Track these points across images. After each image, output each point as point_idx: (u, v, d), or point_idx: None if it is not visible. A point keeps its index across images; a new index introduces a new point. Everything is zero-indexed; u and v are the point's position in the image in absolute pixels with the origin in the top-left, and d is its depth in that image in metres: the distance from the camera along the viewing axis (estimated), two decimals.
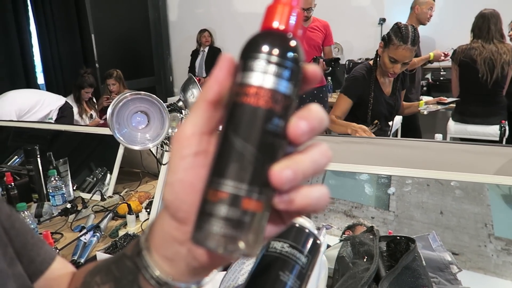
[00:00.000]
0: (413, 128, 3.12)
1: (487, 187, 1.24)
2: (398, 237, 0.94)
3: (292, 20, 0.30)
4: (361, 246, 0.94)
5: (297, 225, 0.46)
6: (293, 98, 0.30)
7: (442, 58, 2.82)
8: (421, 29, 2.07)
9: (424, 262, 0.91)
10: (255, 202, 0.28)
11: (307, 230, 0.45)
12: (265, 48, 0.29)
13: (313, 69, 0.31)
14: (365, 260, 0.90)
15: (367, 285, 0.78)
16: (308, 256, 0.44)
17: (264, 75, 0.28)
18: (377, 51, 2.06)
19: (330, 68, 3.12)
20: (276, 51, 0.29)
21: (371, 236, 0.96)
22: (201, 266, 0.33)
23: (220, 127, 0.31)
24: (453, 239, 1.23)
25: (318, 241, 0.45)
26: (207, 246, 0.28)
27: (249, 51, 0.30)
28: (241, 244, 0.28)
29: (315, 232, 0.46)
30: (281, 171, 0.28)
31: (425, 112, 2.36)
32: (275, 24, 0.30)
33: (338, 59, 3.16)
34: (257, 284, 0.43)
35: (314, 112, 0.30)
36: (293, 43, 0.30)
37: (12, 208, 0.48)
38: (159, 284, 0.33)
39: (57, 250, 1.23)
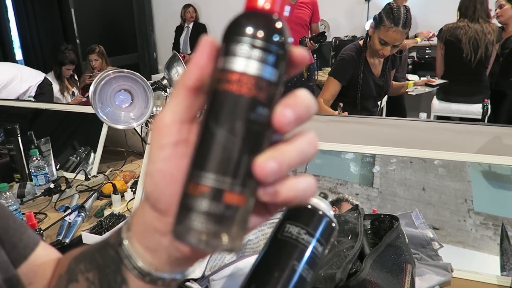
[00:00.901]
0: (398, 106, 3.14)
1: (468, 164, 1.27)
2: (382, 215, 0.96)
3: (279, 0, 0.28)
4: (345, 224, 0.95)
5: (312, 206, 0.42)
6: (278, 85, 0.28)
7: (430, 36, 2.80)
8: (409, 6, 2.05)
9: (407, 239, 0.93)
10: (238, 196, 0.27)
11: (324, 214, 0.42)
12: (249, 30, 0.27)
13: (300, 53, 0.29)
14: (349, 238, 0.92)
15: (351, 263, 0.80)
16: (324, 244, 0.41)
17: (247, 61, 0.26)
18: (367, 31, 2.03)
19: (317, 45, 3.09)
20: (260, 34, 0.27)
21: (355, 215, 0.97)
22: (184, 257, 0.32)
23: (201, 115, 0.29)
24: (435, 214, 1.26)
25: (333, 225, 0.42)
26: (187, 241, 0.27)
27: (232, 33, 0.28)
28: (224, 239, 0.27)
29: (332, 215, 0.42)
30: (265, 162, 0.26)
31: (413, 94, 2.38)
32: (260, 4, 0.28)
33: (324, 32, 3.13)
34: (268, 269, 0.41)
35: (301, 99, 0.28)
36: (279, 25, 0.28)
37: None
38: (141, 275, 0.33)
39: (42, 231, 1.21)
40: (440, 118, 2.97)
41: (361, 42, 2.08)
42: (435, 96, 3.09)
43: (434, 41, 3.18)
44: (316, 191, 0.30)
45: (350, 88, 2.06)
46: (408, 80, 2.85)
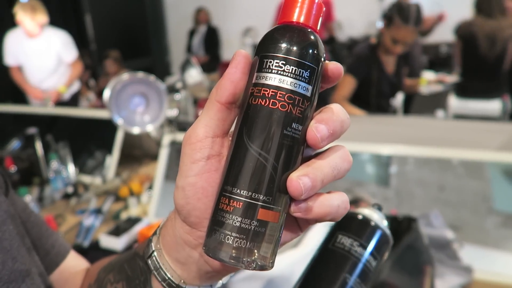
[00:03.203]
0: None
1: (487, 163, 1.24)
2: (400, 217, 0.94)
3: (313, 13, 0.28)
4: None
5: (365, 217, 0.40)
6: (312, 100, 0.27)
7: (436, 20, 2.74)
8: (422, 5, 2.03)
9: (426, 241, 0.91)
10: (271, 212, 0.26)
11: (378, 226, 0.41)
12: (283, 45, 0.26)
13: (335, 67, 0.28)
14: None
15: None
16: (378, 258, 0.40)
17: (281, 76, 0.26)
18: (380, 29, 2.02)
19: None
20: (294, 49, 0.26)
21: None
22: (214, 271, 0.32)
23: (234, 129, 0.29)
24: (454, 214, 1.24)
25: (388, 238, 0.41)
26: (218, 257, 0.26)
27: (266, 48, 0.27)
28: (256, 257, 0.26)
29: (385, 227, 0.41)
30: (299, 179, 0.26)
31: (426, 92, 2.34)
32: (293, 18, 0.28)
33: (332, 37, 3.13)
34: (318, 279, 0.40)
35: (336, 114, 0.28)
36: (313, 39, 0.27)
37: (27, 202, 0.47)
38: (171, 287, 0.33)
39: (61, 234, 1.23)
40: (458, 116, 2.92)
41: (374, 40, 2.08)
42: (451, 94, 3.04)
43: (447, 38, 3.13)
44: (349, 208, 0.29)
45: (364, 86, 2.05)
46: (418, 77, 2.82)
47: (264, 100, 0.26)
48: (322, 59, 0.28)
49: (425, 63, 3.66)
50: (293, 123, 0.26)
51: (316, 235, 0.86)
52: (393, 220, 0.96)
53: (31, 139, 1.68)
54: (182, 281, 0.32)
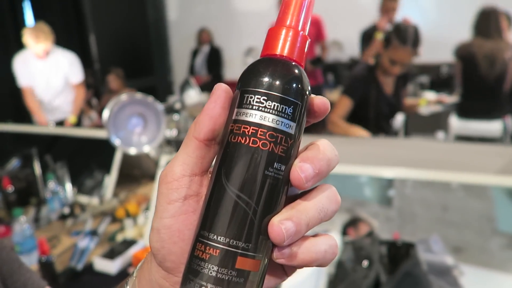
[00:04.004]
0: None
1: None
2: (398, 242, 0.92)
3: (297, 45, 0.26)
4: (360, 251, 0.92)
5: None
6: (297, 137, 0.26)
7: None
8: (421, 25, 2.04)
9: (425, 267, 0.89)
10: (251, 261, 0.25)
11: None
12: (265, 80, 0.25)
13: (321, 102, 0.27)
14: (365, 265, 0.88)
15: None
16: None
17: (263, 112, 0.25)
18: (378, 50, 2.04)
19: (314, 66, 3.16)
20: (277, 84, 0.25)
21: (370, 241, 0.94)
22: None
23: (213, 167, 0.27)
24: (457, 235, 1.21)
25: None
26: None
27: (247, 82, 0.26)
28: None
29: None
30: (282, 224, 0.24)
31: (426, 112, 2.34)
32: (277, 51, 0.26)
33: (319, 58, 3.19)
34: None
35: (322, 153, 0.26)
36: (297, 73, 0.26)
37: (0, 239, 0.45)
38: None
39: (52, 257, 1.21)
40: (459, 137, 2.91)
41: (372, 60, 2.08)
42: (452, 115, 3.04)
43: (445, 58, 3.15)
44: (338, 253, 0.27)
45: (362, 107, 2.05)
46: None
47: (244, 138, 0.25)
48: (307, 94, 0.26)
49: (426, 83, 3.67)
50: (275, 163, 0.25)
51: None
52: (391, 246, 0.94)
53: (29, 158, 1.67)
54: None
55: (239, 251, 0.24)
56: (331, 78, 4.24)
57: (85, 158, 2.05)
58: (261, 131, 0.25)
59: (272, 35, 0.27)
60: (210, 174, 0.28)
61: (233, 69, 5.21)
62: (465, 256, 1.14)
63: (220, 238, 0.24)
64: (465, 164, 1.41)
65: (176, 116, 1.59)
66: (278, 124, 0.25)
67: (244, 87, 0.26)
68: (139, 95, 1.40)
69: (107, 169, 1.85)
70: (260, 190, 0.25)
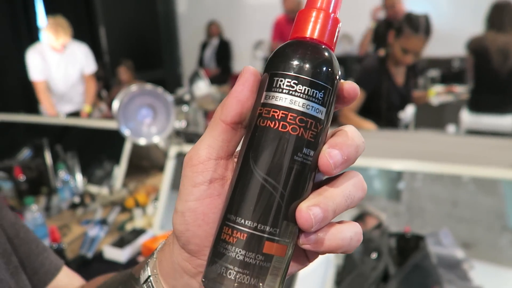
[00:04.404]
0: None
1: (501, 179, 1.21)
2: (408, 234, 0.91)
3: (328, 28, 0.26)
4: (369, 243, 0.91)
5: None
6: (326, 123, 0.25)
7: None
8: (433, 18, 2.02)
9: (434, 260, 0.88)
10: (278, 245, 0.24)
11: None
12: (295, 63, 0.24)
13: (351, 87, 0.26)
14: (373, 257, 0.88)
15: (375, 284, 0.76)
16: None
17: (292, 96, 0.24)
18: (387, 41, 2.02)
19: None
20: (307, 68, 0.24)
21: (379, 233, 0.94)
22: None
23: (239, 151, 0.27)
24: (466, 231, 1.20)
25: None
26: None
27: (276, 65, 0.25)
28: None
29: None
30: (310, 210, 0.24)
31: (436, 102, 2.32)
32: (307, 33, 0.25)
33: None
34: None
35: (350, 139, 0.25)
36: (327, 57, 0.25)
37: (17, 216, 0.45)
38: None
39: (63, 245, 1.23)
40: (471, 131, 2.88)
41: (382, 52, 2.07)
42: (463, 108, 3.01)
43: (457, 52, 3.11)
44: (362, 240, 0.27)
45: (374, 99, 2.04)
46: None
47: (273, 122, 0.24)
48: (337, 78, 0.26)
49: (437, 77, 3.63)
50: (304, 148, 0.24)
51: None
52: (400, 238, 0.93)
53: (40, 148, 1.69)
54: None
55: (266, 235, 0.24)
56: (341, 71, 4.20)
57: (95, 148, 2.07)
58: (290, 115, 0.24)
59: (302, 18, 0.26)
60: (236, 158, 0.28)
61: (242, 62, 5.20)
62: (475, 252, 1.13)
63: (248, 222, 0.24)
64: (476, 157, 1.40)
65: (185, 108, 1.59)
66: (308, 108, 0.24)
67: (273, 70, 0.25)
68: (149, 86, 1.41)
69: (116, 160, 1.86)
70: (288, 175, 0.24)
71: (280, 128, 0.24)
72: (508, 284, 1.01)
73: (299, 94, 0.24)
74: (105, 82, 4.40)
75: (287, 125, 0.24)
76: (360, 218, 1.29)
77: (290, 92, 0.24)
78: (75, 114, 2.96)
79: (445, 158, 1.37)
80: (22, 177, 1.62)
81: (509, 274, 1.06)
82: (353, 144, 0.25)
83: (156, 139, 1.41)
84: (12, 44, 3.87)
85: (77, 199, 1.58)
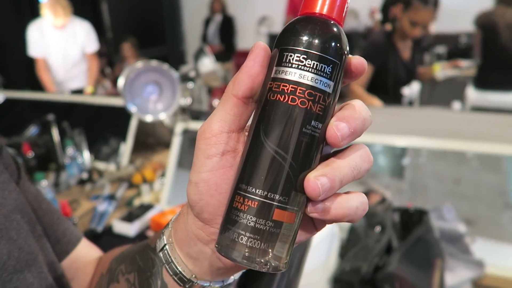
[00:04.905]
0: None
1: (504, 157, 1.22)
2: (411, 209, 0.93)
3: (337, 4, 0.26)
4: (373, 217, 0.93)
5: None
6: (334, 96, 0.26)
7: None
8: None
9: (437, 234, 0.90)
10: (287, 213, 0.26)
11: None
12: (304, 38, 0.25)
13: (359, 62, 0.27)
14: (377, 231, 0.90)
15: (378, 256, 0.79)
16: None
17: (302, 71, 0.25)
18: (394, 15, 2.00)
19: None
20: (317, 43, 0.25)
21: (383, 207, 0.95)
22: (225, 267, 0.32)
23: (250, 124, 0.28)
24: (469, 208, 1.22)
25: None
26: (231, 257, 0.26)
27: (286, 41, 0.26)
28: (269, 257, 0.26)
29: None
30: (317, 179, 0.25)
31: (441, 77, 2.32)
32: (316, 9, 0.26)
33: None
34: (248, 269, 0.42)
35: (358, 112, 0.26)
36: (336, 32, 0.26)
37: (39, 189, 0.46)
38: (182, 281, 0.32)
39: (75, 220, 1.26)
40: (476, 108, 2.86)
41: (389, 27, 2.05)
42: (469, 85, 2.98)
43: (465, 28, 3.06)
44: (367, 209, 0.28)
45: (380, 74, 2.04)
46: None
47: (283, 96, 0.25)
48: (346, 54, 0.26)
49: (443, 53, 3.59)
50: (313, 121, 0.25)
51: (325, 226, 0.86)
52: (404, 212, 0.95)
53: (48, 125, 1.71)
54: (193, 275, 0.32)
55: (276, 203, 0.25)
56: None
57: (101, 126, 2.08)
58: (300, 89, 0.25)
59: None
60: (247, 131, 0.29)
61: (246, 38, 5.14)
62: (477, 228, 1.15)
63: (258, 191, 0.25)
64: (481, 134, 1.40)
65: (190, 85, 1.59)
66: (317, 82, 0.25)
67: (283, 45, 0.26)
68: (154, 63, 1.41)
69: (122, 137, 1.88)
70: (297, 146, 0.25)
71: (289, 102, 0.25)
72: (510, 260, 1.03)
73: (308, 68, 0.25)
74: (109, 59, 4.38)
75: (296, 98, 0.25)
76: (365, 194, 1.31)
77: (300, 66, 0.25)
78: (80, 91, 2.96)
79: (449, 135, 1.37)
80: (30, 154, 1.64)
81: (509, 250, 1.08)
82: (360, 117, 0.26)
83: (162, 116, 1.42)
84: (15, 21, 3.83)
85: (85, 175, 1.60)
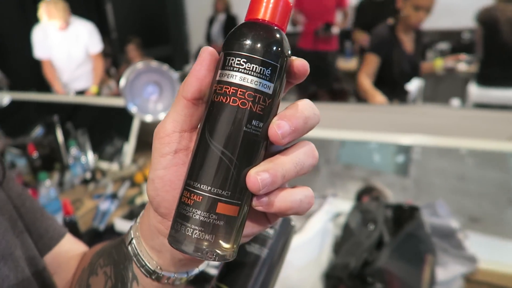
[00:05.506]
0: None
1: (509, 154, 1.22)
2: (403, 205, 0.95)
3: (279, 11, 0.28)
4: (366, 214, 0.95)
5: None
6: (275, 97, 0.28)
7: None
8: None
9: (428, 229, 0.92)
10: (230, 206, 0.27)
11: None
12: (246, 43, 0.27)
13: (301, 64, 0.28)
14: (370, 227, 0.92)
15: (367, 251, 0.80)
16: (275, 228, 0.46)
17: (242, 74, 0.27)
18: (395, 7, 2.02)
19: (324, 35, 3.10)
20: (256, 47, 0.27)
21: (376, 204, 0.97)
22: (185, 259, 0.33)
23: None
24: (474, 205, 1.22)
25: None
26: (181, 249, 0.27)
27: (230, 45, 0.28)
28: (216, 248, 0.27)
29: None
30: (258, 175, 0.27)
31: (444, 68, 2.32)
32: (259, 15, 0.28)
33: (328, 24, 3.12)
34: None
35: (299, 111, 0.28)
36: (277, 37, 0.27)
37: (25, 188, 0.49)
38: (148, 273, 0.34)
39: (73, 218, 1.29)
40: (478, 105, 2.85)
41: (391, 20, 2.06)
42: (471, 82, 2.97)
43: (467, 24, 3.05)
44: (313, 203, 0.30)
45: (385, 67, 2.04)
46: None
47: (225, 98, 0.27)
48: (286, 56, 0.28)
49: (447, 50, 3.57)
50: (254, 120, 0.27)
51: (317, 222, 0.87)
52: (397, 209, 0.97)
53: (52, 126, 1.74)
54: (158, 267, 0.34)
55: (219, 197, 0.27)
56: (349, 46, 4.14)
57: (105, 126, 2.12)
58: (240, 91, 0.27)
59: (255, 1, 0.29)
60: None
61: None
62: (481, 226, 1.15)
63: (203, 187, 0.27)
64: (484, 131, 1.40)
65: None
66: (257, 84, 0.27)
67: (227, 50, 0.28)
68: (154, 63, 1.43)
69: (126, 136, 1.91)
70: (239, 144, 0.27)
71: (231, 103, 0.27)
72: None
73: (247, 71, 0.27)
74: (114, 59, 4.42)
75: (237, 99, 0.27)
76: (366, 192, 1.32)
77: (240, 70, 0.27)
78: (84, 92, 3.00)
79: (453, 132, 1.38)
80: (35, 154, 1.68)
81: None
82: (302, 116, 0.28)
83: (162, 116, 1.45)
84: (20, 23, 3.89)
85: (88, 175, 1.64)
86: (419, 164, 1.40)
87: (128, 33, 4.41)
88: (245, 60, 0.27)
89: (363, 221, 0.95)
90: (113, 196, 1.43)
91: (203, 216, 0.27)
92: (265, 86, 0.27)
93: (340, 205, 1.08)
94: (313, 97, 3.49)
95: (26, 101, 2.38)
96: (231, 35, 0.28)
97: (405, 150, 1.41)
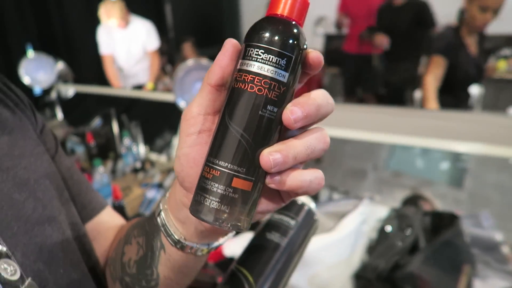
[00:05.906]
0: None
1: None
2: (443, 213, 0.92)
3: (296, 7, 0.31)
4: (403, 219, 0.93)
5: (295, 200, 0.51)
6: (289, 85, 0.30)
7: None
8: None
9: (468, 239, 0.88)
10: (244, 182, 0.30)
11: (299, 202, 0.51)
12: (264, 36, 0.30)
13: (315, 56, 0.31)
14: (406, 232, 0.90)
15: (399, 255, 0.79)
16: (297, 220, 0.49)
17: (260, 63, 0.30)
18: (460, 9, 1.94)
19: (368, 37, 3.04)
20: (274, 40, 0.30)
21: (414, 210, 0.95)
22: (207, 230, 0.37)
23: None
24: None
25: (305, 206, 0.50)
26: (200, 217, 0.31)
27: (250, 38, 0.31)
28: (230, 218, 0.30)
29: (309, 206, 0.51)
30: (270, 154, 0.29)
31: (508, 68, 2.20)
32: (278, 11, 0.31)
33: (371, 27, 3.04)
34: (251, 244, 0.49)
35: (311, 99, 0.30)
36: (294, 31, 0.30)
37: (74, 163, 0.54)
38: (174, 242, 0.38)
39: (122, 203, 1.37)
40: None
41: (455, 23, 1.99)
42: None
43: None
44: (324, 184, 0.32)
45: (450, 71, 1.97)
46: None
47: (244, 85, 0.30)
48: (302, 49, 0.31)
49: (511, 55, 3.35)
50: (269, 105, 0.30)
51: (350, 222, 0.87)
52: (435, 216, 0.94)
53: (109, 118, 1.87)
54: (182, 237, 0.38)
55: (234, 173, 0.30)
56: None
57: (157, 120, 2.23)
58: (258, 78, 0.30)
59: None
60: None
61: None
62: None
63: (221, 163, 0.30)
64: None
65: None
66: (273, 73, 0.30)
67: (247, 41, 0.31)
68: (204, 61, 1.49)
69: (175, 130, 2.00)
70: (255, 126, 0.30)
71: (249, 89, 0.30)
72: None
73: (265, 61, 0.30)
74: (170, 57, 4.60)
75: (254, 86, 0.30)
76: (412, 200, 1.29)
77: (258, 60, 0.30)
78: (140, 87, 3.17)
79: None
80: (93, 143, 1.81)
81: None
82: (314, 103, 0.30)
83: None
84: (86, 22, 4.16)
85: (138, 165, 1.73)
86: (476, 176, 1.33)
87: (185, 32, 4.58)
88: (263, 51, 0.30)
89: (399, 226, 0.94)
90: (159, 185, 1.51)
91: (221, 189, 0.30)
92: (280, 75, 0.30)
93: (378, 209, 1.06)
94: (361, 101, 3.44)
95: (88, 94, 2.55)
96: (252, 28, 0.31)
97: (460, 160, 1.35)
